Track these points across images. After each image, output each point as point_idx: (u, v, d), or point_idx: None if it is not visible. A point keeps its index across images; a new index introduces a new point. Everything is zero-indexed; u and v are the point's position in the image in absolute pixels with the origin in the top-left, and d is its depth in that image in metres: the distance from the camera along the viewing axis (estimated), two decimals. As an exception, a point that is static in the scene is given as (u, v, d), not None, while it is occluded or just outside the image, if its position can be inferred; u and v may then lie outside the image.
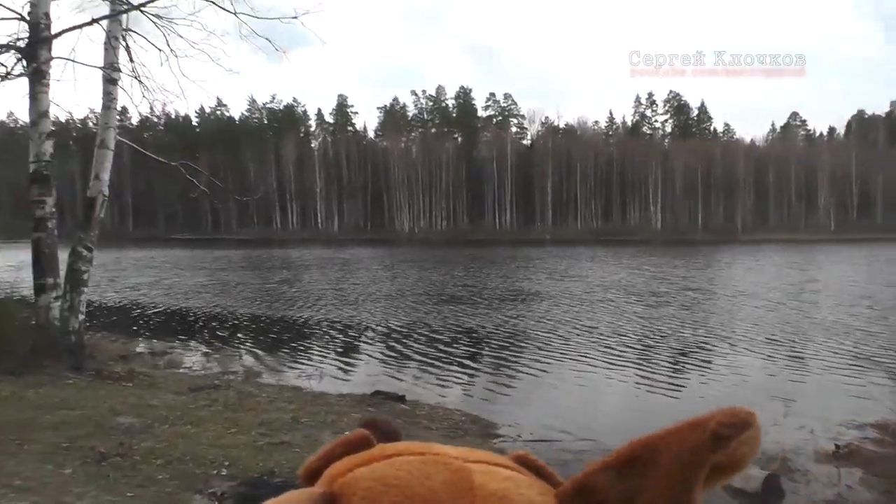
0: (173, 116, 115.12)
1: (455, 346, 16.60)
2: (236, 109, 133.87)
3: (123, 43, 12.77)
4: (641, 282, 32.43)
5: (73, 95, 21.62)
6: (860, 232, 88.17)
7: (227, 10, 12.95)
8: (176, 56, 13.16)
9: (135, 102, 13.68)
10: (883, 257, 49.70)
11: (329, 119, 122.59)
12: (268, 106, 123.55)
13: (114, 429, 7.29)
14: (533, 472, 0.77)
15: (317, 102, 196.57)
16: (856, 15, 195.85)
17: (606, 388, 12.72)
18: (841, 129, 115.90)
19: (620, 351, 15.65)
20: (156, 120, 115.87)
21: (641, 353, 15.54)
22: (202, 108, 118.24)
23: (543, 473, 0.78)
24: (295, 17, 13.18)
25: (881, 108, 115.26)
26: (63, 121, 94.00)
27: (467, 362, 14.94)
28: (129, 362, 12.60)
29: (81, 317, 11.63)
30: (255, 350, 16.39)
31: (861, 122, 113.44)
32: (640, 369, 13.91)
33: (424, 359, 15.09)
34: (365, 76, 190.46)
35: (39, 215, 11.44)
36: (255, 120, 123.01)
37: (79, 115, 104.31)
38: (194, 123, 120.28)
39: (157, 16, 12.88)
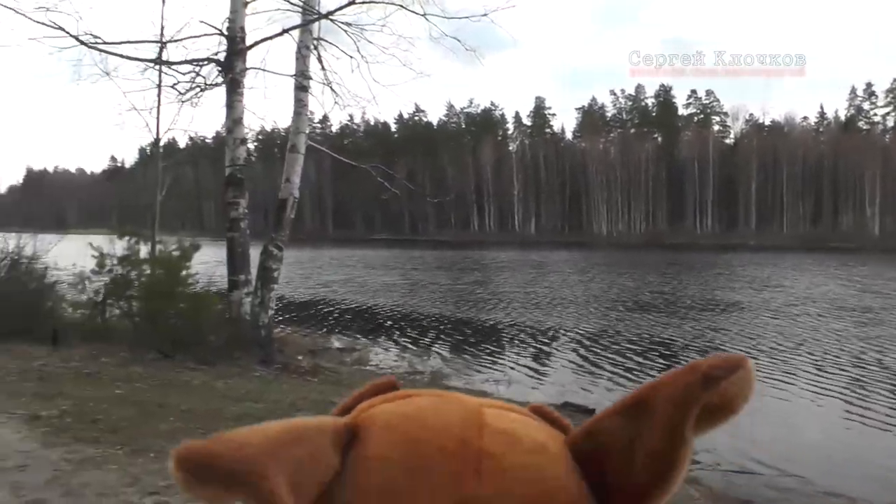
0: (372, 123, 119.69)
1: (647, 357, 15.78)
2: (434, 115, 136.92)
3: (315, 51, 13.28)
4: (852, 295, 29.24)
5: (264, 103, 23.12)
6: None
7: (416, 13, 13.21)
8: (367, 62, 13.56)
9: (325, 109, 14.14)
10: None
11: (526, 121, 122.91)
12: (465, 110, 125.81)
13: (293, 424, 7.44)
14: (548, 423, 0.81)
15: (514, 105, 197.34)
16: None
17: (811, 415, 11.45)
18: None
19: (826, 374, 14.01)
20: (355, 127, 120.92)
21: (850, 377, 13.75)
22: (400, 115, 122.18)
23: (558, 424, 0.82)
24: (484, 15, 13.26)
25: None
26: (269, 129, 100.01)
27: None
28: (315, 357, 13.02)
29: (271, 312, 12.17)
30: (442, 351, 16.39)
31: None
32: (848, 397, 12.30)
33: (615, 369, 14.40)
34: (562, 77, 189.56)
35: (233, 216, 12.06)
36: (454, 124, 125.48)
37: (283, 124, 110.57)
38: (392, 129, 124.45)
39: (347, 23, 13.34)
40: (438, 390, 0.83)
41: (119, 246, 12.28)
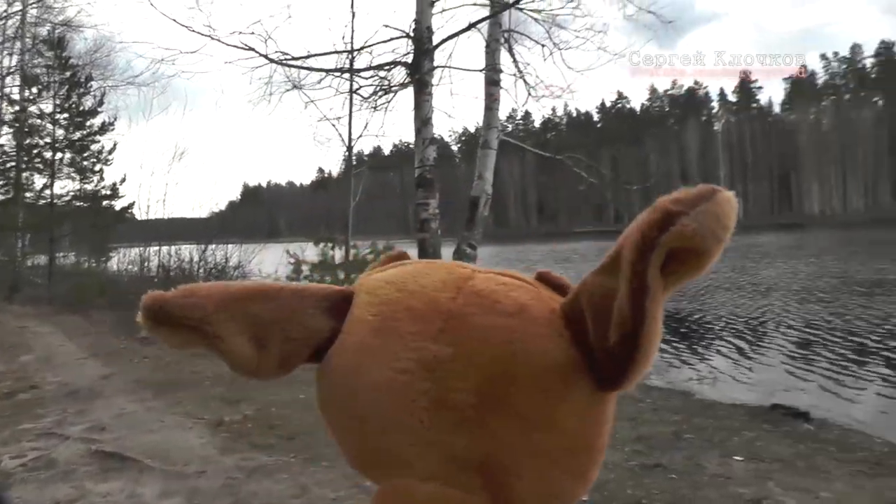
0: (574, 115, 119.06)
1: (876, 353, 13.71)
2: (637, 100, 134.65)
3: (504, 44, 13.01)
4: None
5: (457, 102, 22.95)
6: None
7: (608, -11, 12.76)
8: (559, 49, 13.20)
9: (518, 102, 13.92)
10: None
11: (732, 98, 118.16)
12: (669, 93, 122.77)
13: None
14: (552, 289, 0.80)
15: (719, 83, 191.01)
16: None
17: None
18: None
19: None
20: (557, 120, 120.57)
21: None
22: (602, 104, 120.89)
23: (564, 290, 0.79)
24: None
25: None
26: (472, 131, 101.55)
27: (891, 374, 12.02)
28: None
29: (463, 313, 11.93)
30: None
31: None
32: None
33: (836, 367, 12.56)
34: (768, 47, 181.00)
35: (423, 217, 11.94)
36: (657, 108, 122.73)
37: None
38: (595, 119, 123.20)
39: (537, 10, 13.04)
40: (437, 260, 0.85)
41: (314, 252, 12.61)
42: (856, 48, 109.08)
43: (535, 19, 13.14)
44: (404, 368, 0.72)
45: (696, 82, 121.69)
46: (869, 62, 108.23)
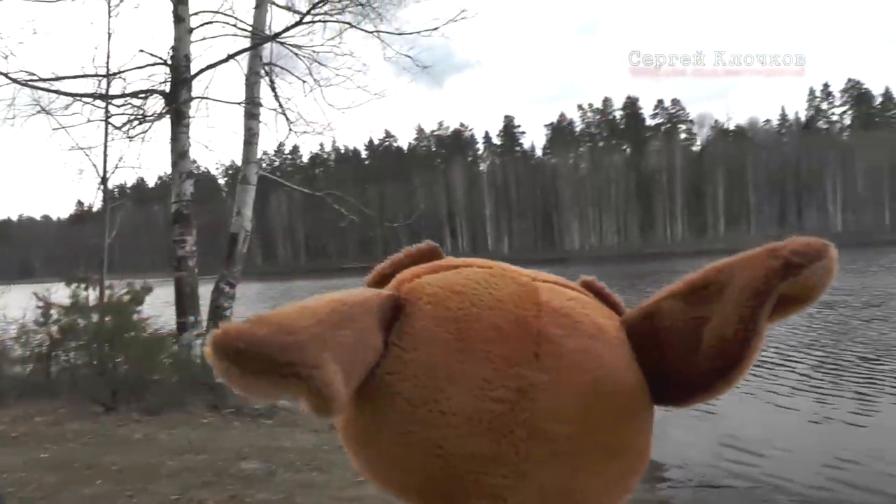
0: (342, 151, 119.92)
1: None
2: (405, 139, 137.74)
3: (266, 77, 12.79)
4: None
5: (217, 135, 21.88)
6: None
7: (367, 31, 12.88)
8: (320, 86, 13.17)
9: (279, 137, 13.76)
10: None
11: (496, 141, 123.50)
12: (436, 133, 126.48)
13: (233, 476, 6.81)
14: (598, 298, 0.78)
15: (484, 126, 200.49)
16: None
17: (793, 417, 10.52)
18: None
19: (816, 375, 13.08)
20: (325, 156, 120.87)
21: (859, 377, 12.82)
22: (371, 141, 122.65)
23: (609, 301, 0.79)
24: (435, 29, 12.82)
25: None
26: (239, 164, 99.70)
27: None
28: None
29: (223, 353, 11.51)
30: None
31: None
32: (836, 395, 11.51)
33: None
34: (530, 95, 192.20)
35: (180, 255, 11.47)
36: (424, 148, 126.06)
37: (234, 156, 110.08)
38: (363, 156, 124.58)
39: (298, 46, 12.96)
40: (485, 260, 0.78)
41: (67, 293, 11.65)
42: (607, 101, 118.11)
43: (296, 54, 13.12)
44: (501, 397, 0.66)
45: (461, 124, 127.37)
46: (618, 114, 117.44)
